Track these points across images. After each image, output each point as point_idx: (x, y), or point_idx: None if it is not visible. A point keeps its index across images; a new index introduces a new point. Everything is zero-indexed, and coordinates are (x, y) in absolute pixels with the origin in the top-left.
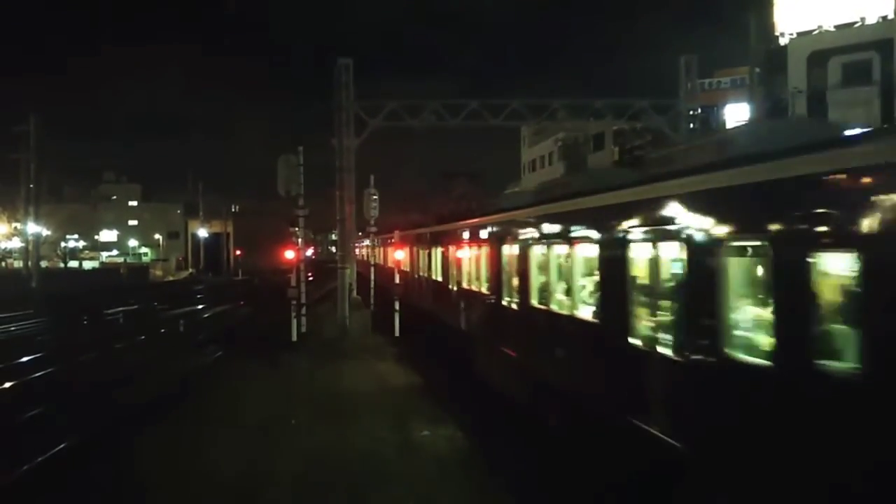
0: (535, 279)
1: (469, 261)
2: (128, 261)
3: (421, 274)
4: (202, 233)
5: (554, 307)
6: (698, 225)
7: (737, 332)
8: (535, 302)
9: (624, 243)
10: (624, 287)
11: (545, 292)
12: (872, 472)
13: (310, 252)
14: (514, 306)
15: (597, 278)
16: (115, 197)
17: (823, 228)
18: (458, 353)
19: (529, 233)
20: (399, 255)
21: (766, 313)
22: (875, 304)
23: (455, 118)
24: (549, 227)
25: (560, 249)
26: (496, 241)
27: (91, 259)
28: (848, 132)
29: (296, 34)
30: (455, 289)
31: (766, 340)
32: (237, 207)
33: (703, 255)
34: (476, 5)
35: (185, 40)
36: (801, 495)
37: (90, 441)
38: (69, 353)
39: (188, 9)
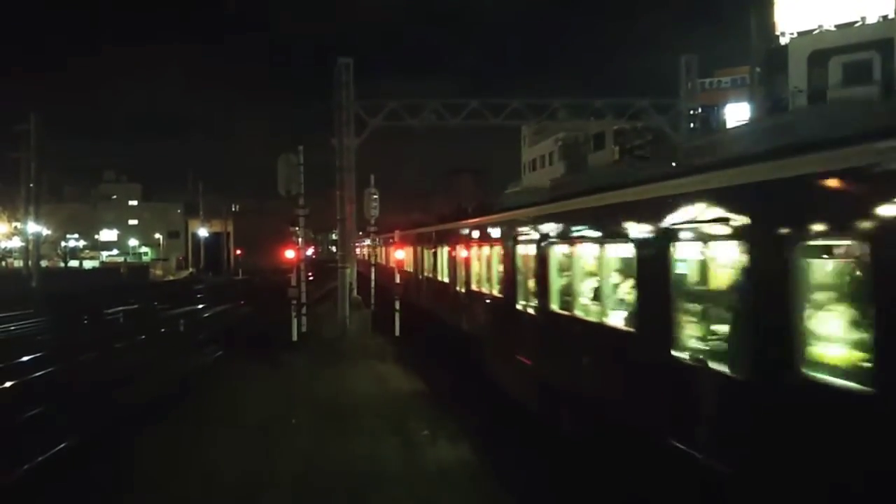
0: (557, 282)
1: (479, 261)
2: (128, 260)
3: (425, 274)
4: (202, 232)
5: (579, 313)
6: (768, 221)
7: (821, 348)
8: (555, 307)
9: (668, 242)
10: (667, 292)
11: (568, 297)
12: None
13: (310, 252)
14: (530, 311)
15: (633, 282)
16: (115, 196)
17: None
18: (461, 354)
19: (551, 231)
20: (400, 255)
21: (863, 326)
22: None
23: (455, 117)
24: (576, 225)
25: (588, 249)
26: (511, 241)
27: (91, 258)
28: None
29: (296, 34)
30: (463, 290)
31: (860, 359)
32: (237, 207)
33: (774, 258)
34: (476, 5)
35: (185, 40)
36: None
37: (90, 441)
38: (69, 353)
39: (188, 9)
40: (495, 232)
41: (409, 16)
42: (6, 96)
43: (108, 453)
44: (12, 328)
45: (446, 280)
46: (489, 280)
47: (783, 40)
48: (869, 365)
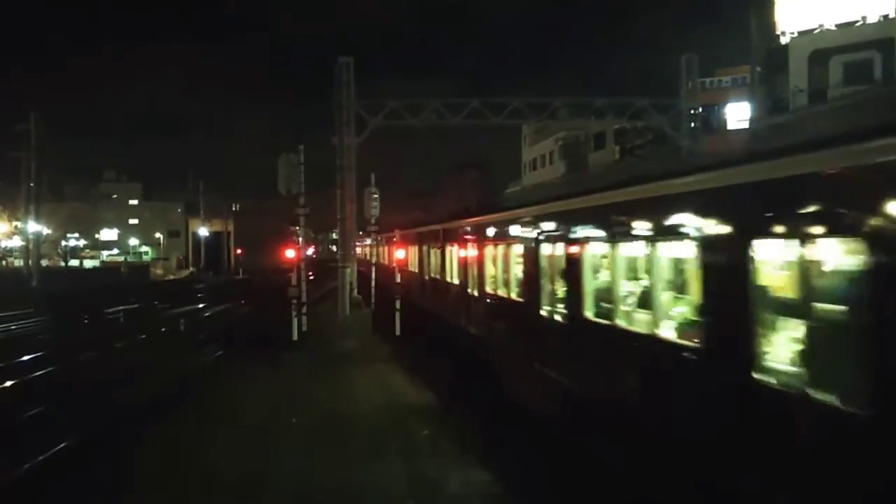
0: (592, 286)
1: (493, 261)
2: (128, 260)
3: (431, 275)
4: (203, 232)
5: (621, 322)
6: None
7: None
8: (589, 314)
9: (747, 241)
10: (745, 302)
11: (608, 303)
12: None
13: (310, 251)
14: (557, 317)
15: (694, 288)
16: (115, 196)
17: None
18: (467, 355)
19: (585, 229)
20: (401, 255)
21: None
22: None
23: (456, 117)
24: (618, 221)
25: (633, 249)
26: (534, 239)
27: (92, 258)
28: None
29: (296, 34)
30: (475, 293)
31: None
32: (238, 206)
33: None
34: (476, 5)
35: (185, 40)
36: None
37: (90, 441)
38: (69, 353)
39: (188, 9)
40: (514, 230)
41: (409, 16)
42: (6, 96)
43: (108, 453)
44: (12, 327)
45: (455, 281)
46: (507, 283)
47: (784, 40)
48: None
